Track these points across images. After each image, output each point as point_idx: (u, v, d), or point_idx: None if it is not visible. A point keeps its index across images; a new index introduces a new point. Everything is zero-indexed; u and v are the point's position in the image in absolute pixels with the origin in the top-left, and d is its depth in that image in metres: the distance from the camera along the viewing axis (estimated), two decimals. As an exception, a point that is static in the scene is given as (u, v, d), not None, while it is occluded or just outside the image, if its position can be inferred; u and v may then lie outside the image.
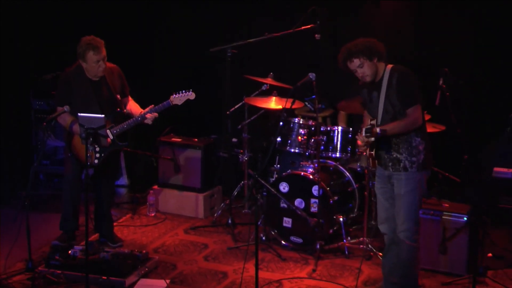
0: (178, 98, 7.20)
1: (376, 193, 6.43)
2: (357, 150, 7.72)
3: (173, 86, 7.53)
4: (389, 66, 6.08)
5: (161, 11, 9.37)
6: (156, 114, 7.20)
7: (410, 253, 6.21)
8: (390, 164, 6.12)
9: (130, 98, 7.46)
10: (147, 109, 7.20)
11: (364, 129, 5.95)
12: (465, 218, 6.95)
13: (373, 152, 6.10)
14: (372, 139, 5.92)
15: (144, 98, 7.57)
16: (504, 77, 8.12)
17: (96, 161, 7.15)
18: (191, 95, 7.22)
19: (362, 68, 5.99)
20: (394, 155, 6.07)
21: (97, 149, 7.14)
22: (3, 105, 8.82)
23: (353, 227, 7.97)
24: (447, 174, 8.16)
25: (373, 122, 6.09)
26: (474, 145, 7.90)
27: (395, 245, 6.36)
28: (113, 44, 7.23)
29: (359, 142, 6.25)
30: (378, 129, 5.89)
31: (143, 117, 7.17)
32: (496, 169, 7.71)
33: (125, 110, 7.36)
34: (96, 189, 7.48)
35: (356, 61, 5.98)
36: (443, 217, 7.02)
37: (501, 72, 8.21)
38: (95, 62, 6.99)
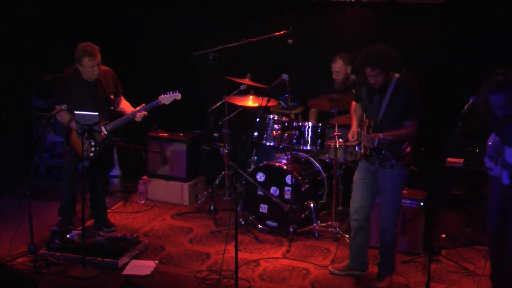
0: (166, 98, 7.21)
1: (355, 183, 6.41)
2: (325, 143, 7.76)
3: (160, 86, 7.54)
4: (396, 74, 6.05)
5: (148, 18, 9.35)
6: (145, 113, 7.21)
7: (392, 240, 6.33)
8: (377, 161, 6.17)
9: (122, 97, 7.46)
10: (138, 108, 7.21)
11: (377, 141, 5.89)
12: (422, 203, 7.03)
13: (367, 151, 6.17)
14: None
15: (135, 97, 7.57)
16: (457, 79, 8.17)
17: (91, 154, 7.15)
18: (178, 96, 7.23)
19: (378, 76, 5.94)
20: (383, 155, 6.11)
21: (93, 143, 7.13)
22: (6, 103, 8.79)
23: (323, 212, 8.00)
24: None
25: (370, 123, 6.12)
26: (430, 138, 7.95)
27: (362, 231, 6.44)
28: (106, 48, 7.21)
29: (350, 137, 6.32)
30: (388, 138, 5.92)
31: (134, 115, 7.18)
32: (449, 159, 7.78)
33: (118, 109, 7.36)
34: (92, 179, 7.47)
35: (377, 71, 5.91)
36: (403, 202, 7.00)
37: (454, 74, 8.26)
38: (90, 67, 6.98)
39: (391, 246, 6.35)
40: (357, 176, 6.41)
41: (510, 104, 5.42)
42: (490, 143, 5.86)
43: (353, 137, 6.29)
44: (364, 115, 6.30)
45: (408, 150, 6.13)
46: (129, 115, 7.19)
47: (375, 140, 5.91)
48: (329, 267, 6.66)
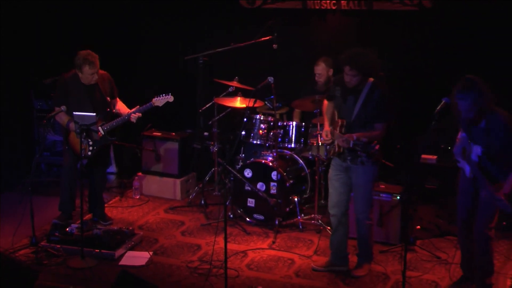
0: (159, 101, 7.21)
1: (330, 180, 6.42)
2: (308, 141, 7.79)
3: (154, 88, 7.55)
4: (371, 79, 6.06)
5: (143, 24, 9.36)
6: (139, 114, 7.21)
7: (367, 230, 6.37)
8: (349, 158, 6.18)
9: (118, 99, 7.46)
10: (133, 109, 7.21)
11: (352, 142, 5.89)
12: (398, 197, 7.06)
13: (341, 149, 6.18)
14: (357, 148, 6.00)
15: (130, 99, 7.57)
16: (430, 80, 8.22)
17: (89, 153, 7.15)
18: (170, 98, 7.23)
19: (353, 77, 5.94)
20: (354, 152, 6.11)
21: (90, 142, 7.14)
22: (9, 105, 8.78)
23: (306, 206, 8.01)
24: (383, 160, 8.16)
25: (343, 122, 6.13)
26: (405, 137, 8.01)
27: (342, 226, 6.45)
28: (103, 52, 7.20)
29: (324, 135, 6.28)
30: (362, 139, 5.89)
31: (129, 116, 7.18)
32: (424, 156, 7.80)
33: (114, 110, 7.36)
34: (90, 176, 7.47)
35: (354, 72, 5.92)
36: (380, 196, 7.10)
37: (428, 76, 8.30)
38: (90, 74, 6.99)
39: (366, 235, 6.40)
40: (331, 173, 6.43)
41: (473, 109, 5.50)
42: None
43: (327, 136, 6.29)
44: (336, 114, 6.32)
45: (377, 147, 6.10)
46: (125, 117, 7.19)
47: (350, 141, 5.93)
48: (312, 264, 6.63)
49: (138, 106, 7.21)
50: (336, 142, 6.20)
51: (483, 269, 5.97)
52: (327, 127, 6.36)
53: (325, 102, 6.50)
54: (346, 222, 6.46)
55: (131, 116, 7.17)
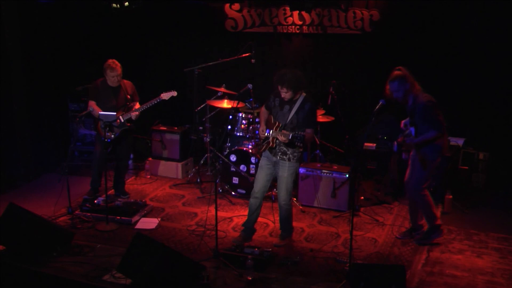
0: (165, 95, 7.21)
1: (261, 167, 6.24)
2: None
3: (161, 92, 7.53)
4: (303, 93, 5.97)
5: (153, 45, 9.35)
6: (137, 113, 7.16)
7: (287, 213, 6.26)
8: (279, 154, 6.06)
9: (138, 103, 7.39)
10: (134, 108, 7.20)
11: (291, 135, 5.76)
12: (347, 175, 7.10)
13: (274, 144, 6.08)
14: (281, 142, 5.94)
15: (143, 101, 7.57)
16: (371, 87, 8.27)
17: (113, 136, 7.14)
18: (174, 93, 7.22)
19: (287, 93, 5.87)
20: (284, 150, 6.02)
21: (113, 130, 7.15)
22: (50, 107, 8.74)
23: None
24: (335, 147, 8.28)
25: (279, 125, 6.04)
26: (352, 129, 8.08)
27: (259, 209, 6.31)
28: (123, 64, 7.22)
29: (260, 131, 6.19)
30: (300, 133, 5.80)
31: (130, 115, 7.19)
32: (366, 144, 7.88)
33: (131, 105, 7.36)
34: (117, 163, 7.50)
35: (285, 89, 5.85)
36: (333, 174, 7.14)
37: (369, 83, 8.36)
38: (111, 77, 7.04)
39: (287, 216, 6.29)
40: (262, 162, 6.25)
41: (399, 90, 5.75)
42: (403, 127, 6.15)
43: (263, 131, 6.17)
44: (272, 118, 6.18)
45: (301, 149, 6.05)
46: (129, 113, 7.20)
47: (288, 135, 5.81)
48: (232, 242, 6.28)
49: (143, 105, 7.17)
50: (270, 138, 6.05)
51: (428, 216, 6.14)
52: (263, 126, 6.23)
53: (262, 108, 6.34)
54: (261, 204, 6.32)
55: (132, 114, 7.18)
